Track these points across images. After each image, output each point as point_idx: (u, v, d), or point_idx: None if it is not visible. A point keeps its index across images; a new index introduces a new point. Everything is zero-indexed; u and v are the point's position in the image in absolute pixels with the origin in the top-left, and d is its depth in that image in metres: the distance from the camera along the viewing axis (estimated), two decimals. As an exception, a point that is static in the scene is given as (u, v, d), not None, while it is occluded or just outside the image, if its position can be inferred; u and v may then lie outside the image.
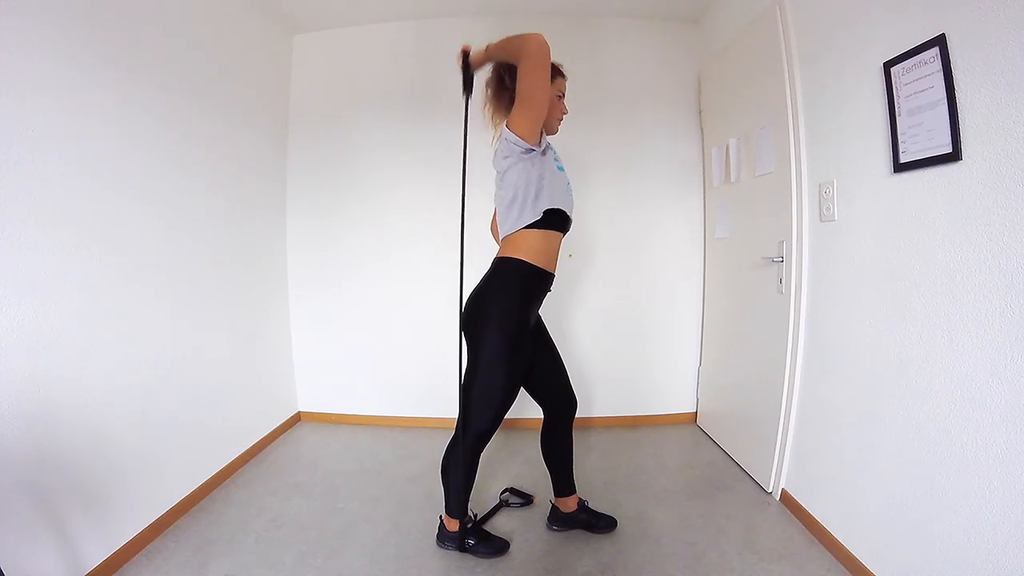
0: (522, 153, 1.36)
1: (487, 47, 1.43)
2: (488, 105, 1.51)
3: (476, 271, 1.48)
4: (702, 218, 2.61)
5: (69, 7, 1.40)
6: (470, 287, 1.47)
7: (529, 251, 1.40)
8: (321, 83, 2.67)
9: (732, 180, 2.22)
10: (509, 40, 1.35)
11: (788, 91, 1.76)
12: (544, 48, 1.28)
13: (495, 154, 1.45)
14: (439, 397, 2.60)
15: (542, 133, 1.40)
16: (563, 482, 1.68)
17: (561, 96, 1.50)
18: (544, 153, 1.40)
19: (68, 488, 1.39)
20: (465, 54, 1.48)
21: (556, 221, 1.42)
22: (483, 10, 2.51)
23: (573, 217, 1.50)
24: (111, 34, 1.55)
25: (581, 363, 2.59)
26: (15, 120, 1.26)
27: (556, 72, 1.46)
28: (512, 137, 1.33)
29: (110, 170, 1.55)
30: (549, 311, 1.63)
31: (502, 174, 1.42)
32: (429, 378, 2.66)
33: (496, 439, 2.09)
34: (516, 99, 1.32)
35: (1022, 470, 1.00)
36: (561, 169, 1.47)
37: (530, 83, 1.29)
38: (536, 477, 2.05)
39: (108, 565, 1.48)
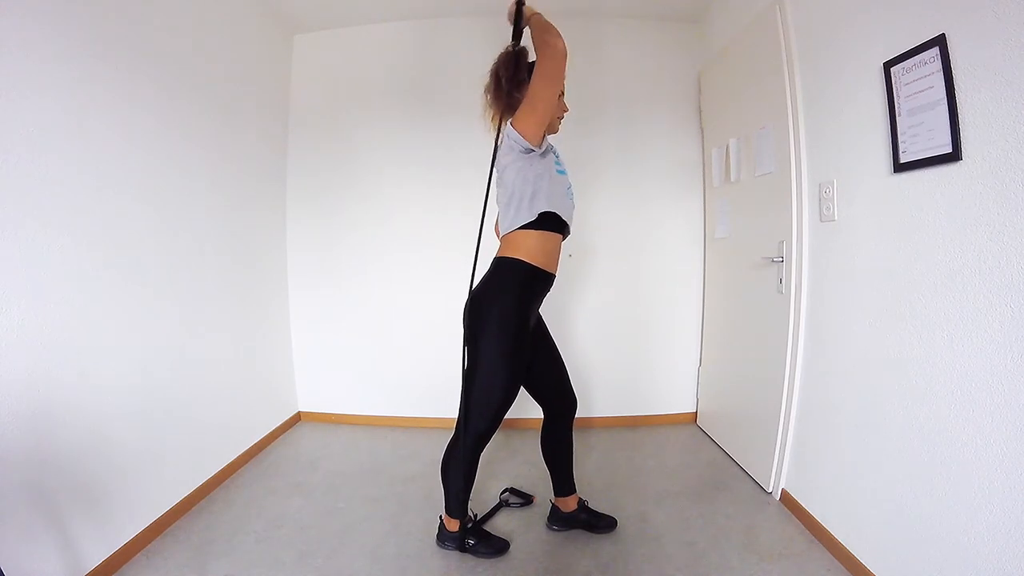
0: (521, 152, 1.37)
1: (535, 14, 1.41)
2: (488, 109, 1.51)
3: (480, 271, 1.48)
4: (702, 218, 2.61)
5: (70, 8, 1.40)
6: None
7: (528, 251, 1.41)
8: (321, 83, 2.67)
9: (732, 180, 2.22)
10: (548, 29, 1.34)
11: (788, 91, 1.76)
12: (564, 58, 1.31)
13: (496, 152, 1.46)
14: (439, 397, 2.60)
15: (544, 135, 1.40)
16: (563, 482, 1.68)
17: (561, 94, 1.50)
18: (544, 155, 1.41)
19: (68, 488, 1.39)
20: (519, 3, 1.46)
21: (553, 224, 1.42)
22: (483, 10, 2.51)
23: (573, 221, 1.50)
24: (111, 34, 1.55)
25: (581, 363, 2.58)
26: (15, 120, 1.26)
27: None
28: (515, 135, 1.35)
29: (110, 170, 1.55)
30: (549, 311, 1.63)
31: (501, 172, 1.43)
32: (429, 378, 2.66)
33: (496, 439, 2.09)
34: (525, 99, 1.34)
35: (1022, 470, 1.00)
36: (562, 172, 1.48)
37: (542, 86, 1.31)
38: (536, 477, 2.05)
39: (108, 565, 1.48)
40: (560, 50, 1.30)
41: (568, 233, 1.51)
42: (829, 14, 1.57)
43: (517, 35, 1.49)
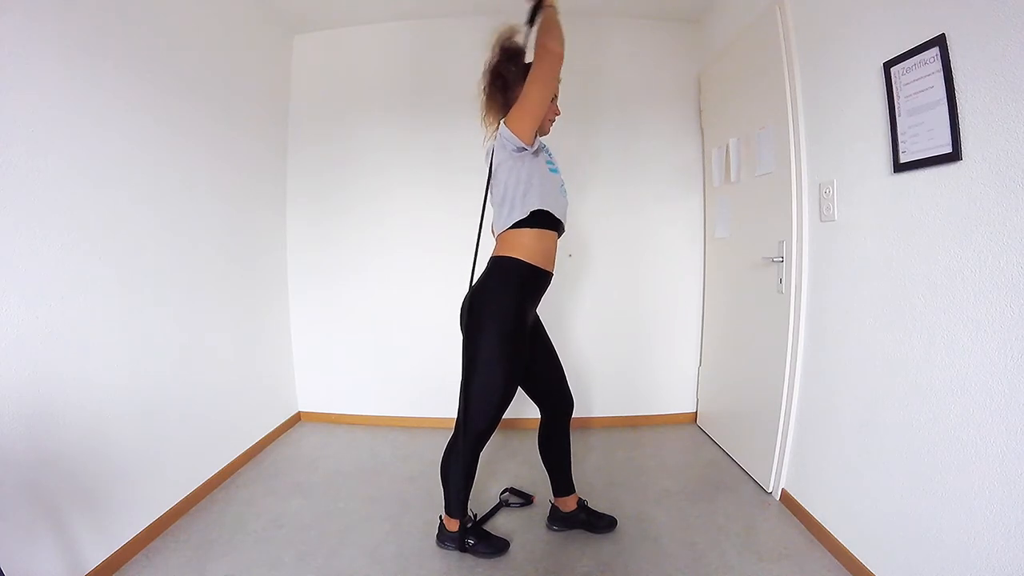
0: (513, 151, 1.37)
1: (550, 7, 1.39)
2: (483, 108, 1.51)
3: (478, 271, 1.48)
4: (702, 218, 2.61)
5: (69, 8, 1.40)
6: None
7: (524, 250, 1.41)
8: (321, 83, 2.67)
9: (732, 180, 2.22)
10: (551, 30, 1.34)
11: (788, 91, 1.76)
12: (560, 63, 1.33)
13: (488, 152, 1.46)
14: (439, 397, 2.59)
15: (536, 135, 1.41)
16: (562, 482, 1.68)
17: (554, 97, 1.50)
18: (536, 154, 1.41)
19: (68, 488, 1.39)
20: None
21: (547, 222, 1.43)
22: (482, 10, 2.51)
23: (567, 219, 1.50)
24: (111, 35, 1.55)
25: (581, 363, 2.59)
26: (15, 120, 1.26)
27: None
28: (507, 134, 1.35)
29: (110, 170, 1.55)
30: (548, 311, 1.63)
31: (494, 172, 1.44)
32: (429, 378, 2.66)
33: (496, 439, 2.09)
34: (519, 98, 1.34)
35: (1021, 470, 1.00)
36: (555, 171, 1.48)
37: (535, 88, 1.32)
38: (536, 477, 2.05)
39: (108, 565, 1.48)
40: (556, 55, 1.31)
41: (563, 231, 1.51)
42: (829, 14, 1.57)
43: (533, 19, 1.44)
